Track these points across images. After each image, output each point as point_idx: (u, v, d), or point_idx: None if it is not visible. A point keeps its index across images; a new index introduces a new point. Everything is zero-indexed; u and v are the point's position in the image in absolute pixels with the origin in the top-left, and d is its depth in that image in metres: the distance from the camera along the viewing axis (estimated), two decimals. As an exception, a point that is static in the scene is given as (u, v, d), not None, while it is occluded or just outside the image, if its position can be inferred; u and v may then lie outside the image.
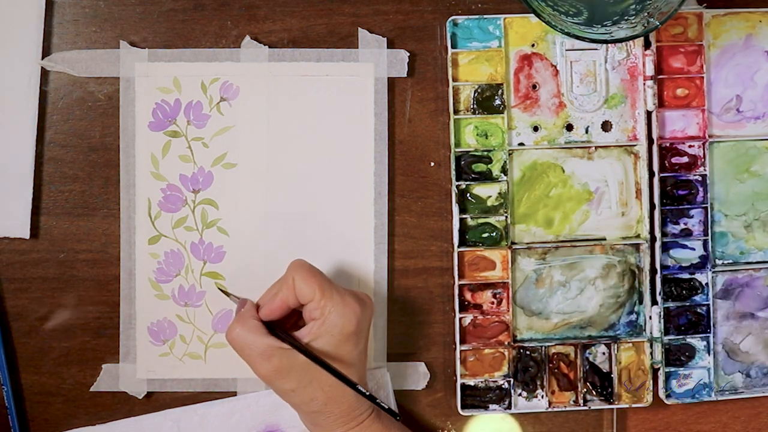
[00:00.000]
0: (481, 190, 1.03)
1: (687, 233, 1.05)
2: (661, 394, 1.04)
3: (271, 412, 1.01)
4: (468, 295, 1.03)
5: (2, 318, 1.01)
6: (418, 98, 1.03)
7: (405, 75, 1.02)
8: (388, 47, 1.02)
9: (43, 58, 1.00)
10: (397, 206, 1.03)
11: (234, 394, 1.02)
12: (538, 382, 1.04)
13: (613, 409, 1.05)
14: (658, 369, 1.04)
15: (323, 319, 0.91)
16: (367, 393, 0.90)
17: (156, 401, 1.02)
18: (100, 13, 1.01)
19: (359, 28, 1.02)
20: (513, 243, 1.04)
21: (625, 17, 0.94)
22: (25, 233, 1.00)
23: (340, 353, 0.91)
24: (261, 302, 0.95)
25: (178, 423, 1.01)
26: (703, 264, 1.05)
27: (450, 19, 1.02)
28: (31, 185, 1.00)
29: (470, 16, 1.02)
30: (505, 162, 1.03)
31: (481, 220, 1.03)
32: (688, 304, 1.04)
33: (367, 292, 1.01)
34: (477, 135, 1.03)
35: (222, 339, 1.01)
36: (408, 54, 1.02)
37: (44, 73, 1.01)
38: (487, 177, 1.03)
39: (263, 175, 1.01)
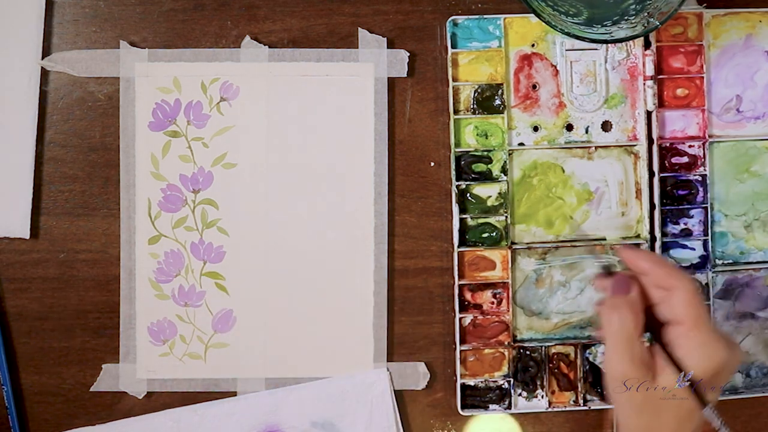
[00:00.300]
0: (481, 190, 1.03)
1: (687, 233, 1.05)
2: (662, 394, 1.04)
3: (271, 412, 1.02)
4: (468, 295, 1.03)
5: (2, 318, 1.01)
6: (418, 98, 1.03)
7: (405, 75, 1.02)
8: (388, 47, 1.02)
9: (43, 58, 1.00)
10: (397, 206, 1.03)
11: (234, 394, 1.02)
12: (538, 382, 1.04)
13: (613, 409, 1.05)
14: (658, 369, 1.04)
15: (688, 350, 0.83)
16: (716, 413, 0.83)
17: (156, 401, 1.02)
18: (100, 13, 1.01)
19: (359, 28, 1.02)
20: (513, 243, 1.04)
21: (625, 17, 0.94)
22: (25, 233, 1.00)
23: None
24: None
25: (178, 423, 1.01)
26: (703, 264, 1.05)
27: (450, 19, 1.02)
28: (31, 185, 1.00)
29: (470, 16, 1.03)
30: (505, 162, 1.03)
31: (481, 220, 1.03)
32: (688, 304, 1.04)
33: (367, 292, 1.01)
34: (477, 135, 1.03)
35: (222, 339, 1.02)
36: (408, 54, 1.02)
37: (44, 73, 1.01)
38: (487, 177, 1.03)
39: (263, 175, 1.01)
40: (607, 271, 0.91)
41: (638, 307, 0.85)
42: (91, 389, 1.01)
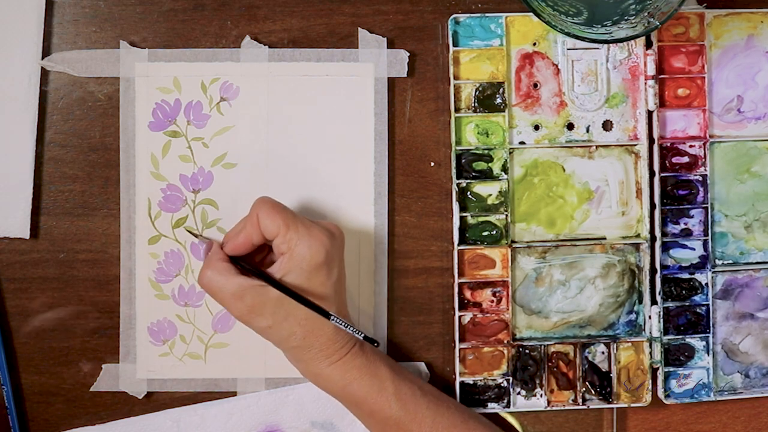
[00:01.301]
0: (482, 188, 1.03)
1: (687, 233, 1.05)
2: (660, 394, 1.04)
3: (271, 412, 1.02)
4: (468, 294, 1.03)
5: (2, 318, 1.01)
6: (418, 98, 1.03)
7: (405, 75, 1.02)
8: (388, 47, 1.02)
9: (43, 58, 1.00)
10: (397, 206, 1.03)
11: (234, 394, 1.02)
12: (537, 381, 1.04)
13: (613, 408, 1.06)
14: (657, 369, 1.04)
15: (290, 252, 0.91)
16: (342, 322, 0.91)
17: (156, 401, 1.02)
18: (100, 13, 1.01)
19: (359, 28, 1.02)
20: (513, 242, 1.04)
21: (626, 17, 0.94)
22: (25, 233, 1.00)
23: (312, 286, 0.92)
24: (225, 240, 0.95)
25: (178, 423, 1.02)
26: (702, 264, 1.05)
27: (452, 17, 1.02)
28: (31, 185, 1.00)
29: (472, 15, 1.02)
30: (506, 160, 1.03)
31: (481, 219, 1.03)
32: (687, 304, 1.04)
33: (366, 292, 1.02)
34: (478, 133, 1.03)
35: (222, 339, 1.02)
36: (408, 54, 1.02)
37: (44, 73, 1.01)
38: (487, 175, 1.03)
39: (263, 175, 1.01)
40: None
41: (215, 257, 0.93)
42: (91, 389, 1.01)
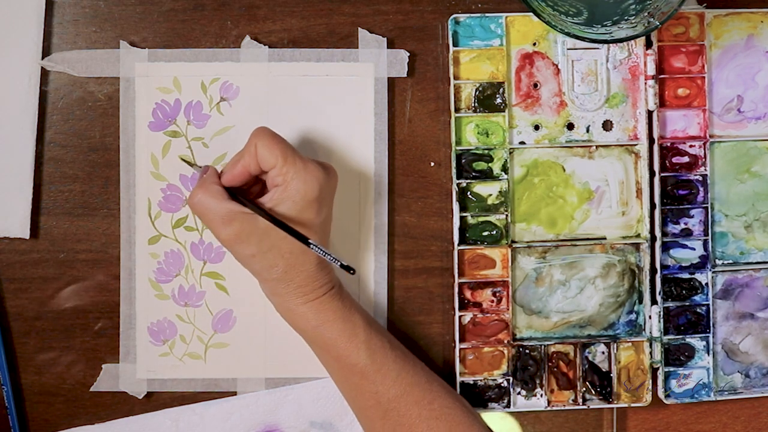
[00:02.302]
0: (482, 188, 1.03)
1: (687, 233, 1.05)
2: (661, 393, 1.04)
3: (271, 412, 1.02)
4: (468, 294, 1.03)
5: (2, 318, 1.01)
6: (418, 98, 1.03)
7: (405, 75, 1.02)
8: (388, 47, 1.02)
9: (43, 58, 1.00)
10: (397, 206, 1.03)
11: (234, 394, 1.02)
12: (538, 381, 1.04)
13: (613, 408, 1.06)
14: (658, 369, 1.04)
15: (285, 185, 0.91)
16: (321, 249, 0.90)
17: (156, 401, 1.02)
18: (100, 13, 1.01)
19: (359, 28, 1.02)
20: (513, 241, 1.04)
21: (626, 17, 0.94)
22: (25, 233, 1.00)
23: (301, 219, 0.92)
24: (224, 170, 0.95)
25: (177, 423, 1.02)
26: (703, 264, 1.05)
27: (452, 17, 1.02)
28: (31, 185, 1.00)
29: (472, 15, 1.02)
30: (506, 160, 1.03)
31: (481, 219, 1.03)
32: (687, 303, 1.04)
33: (366, 292, 1.02)
34: (478, 133, 1.03)
35: (222, 339, 1.02)
36: (408, 54, 1.02)
37: (44, 73, 1.01)
38: (487, 175, 1.03)
39: (263, 175, 1.02)
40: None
41: (209, 180, 0.93)
42: (91, 389, 1.01)
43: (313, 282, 0.94)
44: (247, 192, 0.97)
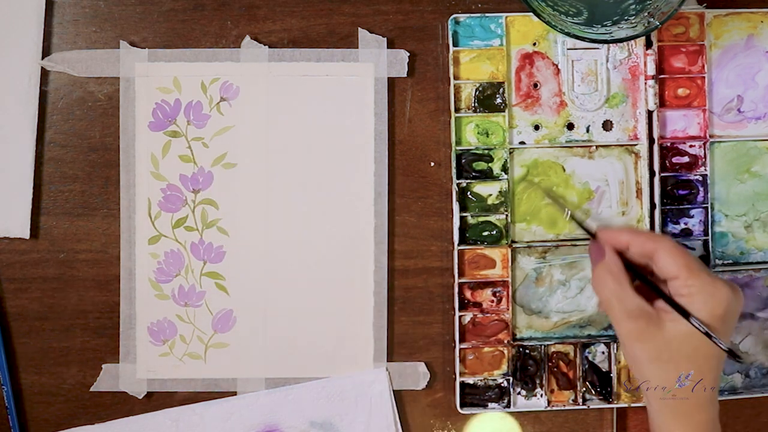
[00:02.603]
0: (482, 188, 1.03)
1: (687, 233, 1.05)
2: (661, 393, 1.04)
3: (271, 412, 1.02)
4: (468, 294, 1.03)
5: (2, 318, 1.01)
6: (418, 98, 1.03)
7: (405, 75, 1.02)
8: (388, 47, 1.02)
9: (43, 58, 1.00)
10: (397, 206, 1.03)
11: (234, 394, 1.02)
12: (538, 381, 1.04)
13: (613, 408, 1.05)
14: (658, 369, 1.04)
15: (690, 297, 0.87)
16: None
17: (156, 401, 1.02)
18: (100, 13, 1.01)
19: (359, 28, 1.02)
20: (513, 241, 1.04)
21: (626, 17, 0.94)
22: (25, 233, 1.00)
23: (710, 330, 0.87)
24: (620, 239, 0.91)
25: (177, 423, 1.02)
26: (703, 264, 1.05)
27: (452, 17, 1.02)
28: (31, 185, 1.00)
29: (472, 15, 1.02)
30: (506, 160, 1.03)
31: (481, 219, 1.03)
32: (688, 304, 1.04)
33: (367, 292, 1.02)
34: (478, 133, 1.03)
35: (222, 339, 1.02)
36: (408, 54, 1.02)
37: (44, 73, 1.01)
38: (487, 175, 1.03)
39: (263, 175, 1.01)
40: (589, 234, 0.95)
41: (617, 267, 0.90)
42: (91, 389, 1.02)
43: (703, 412, 0.89)
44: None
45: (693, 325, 0.85)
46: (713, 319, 0.86)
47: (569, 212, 0.98)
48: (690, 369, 0.87)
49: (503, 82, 1.03)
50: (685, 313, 0.86)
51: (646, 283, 0.90)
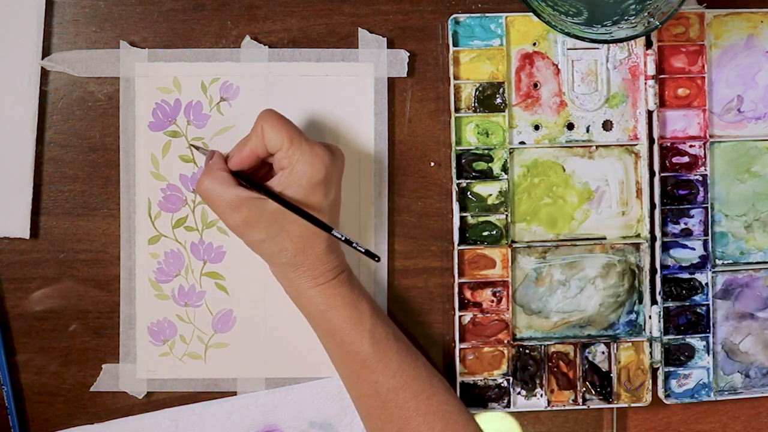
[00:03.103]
0: (482, 188, 1.03)
1: (687, 233, 1.05)
2: (661, 393, 1.04)
3: (270, 412, 1.02)
4: (468, 294, 1.03)
5: (2, 318, 1.01)
6: (418, 98, 1.03)
7: (405, 75, 1.02)
8: (388, 47, 1.02)
9: (43, 58, 1.00)
10: (397, 206, 1.03)
11: (234, 394, 1.02)
12: (538, 381, 1.04)
13: (612, 408, 1.05)
14: (658, 369, 1.04)
15: (291, 167, 0.91)
16: (343, 236, 0.91)
17: (156, 401, 1.02)
18: (100, 13, 1.01)
19: (359, 28, 1.02)
20: (513, 241, 1.04)
21: (626, 17, 0.94)
22: (25, 233, 1.00)
23: (309, 203, 0.92)
24: (230, 153, 0.95)
25: (177, 422, 1.02)
26: (703, 264, 1.05)
27: (452, 17, 1.02)
28: (31, 185, 1.00)
29: (472, 15, 1.02)
30: (506, 160, 1.03)
31: (481, 219, 1.03)
32: (687, 303, 1.04)
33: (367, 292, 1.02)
34: (478, 133, 1.03)
35: (222, 339, 1.02)
36: (408, 54, 1.02)
37: (44, 73, 1.01)
38: (487, 175, 1.03)
39: (263, 175, 1.02)
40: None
41: (216, 166, 0.94)
42: (91, 389, 1.01)
43: (323, 265, 0.94)
44: (255, 176, 0.97)
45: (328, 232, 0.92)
46: (314, 185, 0.92)
47: (210, 152, 0.99)
48: (299, 234, 0.92)
49: (503, 82, 1.03)
50: (301, 211, 0.91)
51: (258, 190, 0.92)
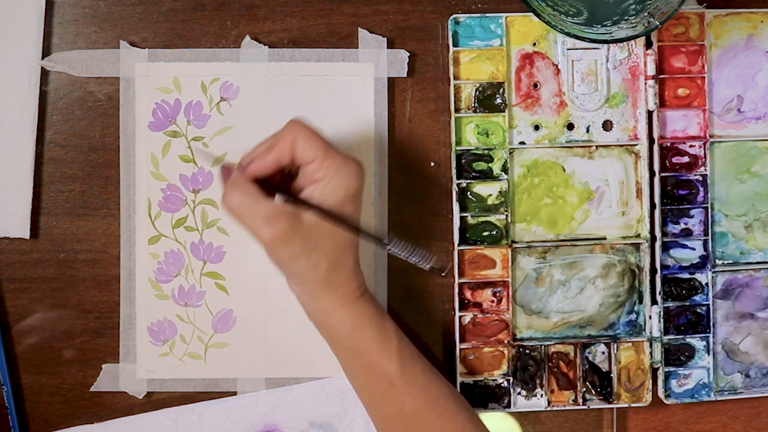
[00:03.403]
0: (482, 188, 1.03)
1: (687, 233, 1.05)
2: (661, 393, 1.04)
3: (270, 412, 1.02)
4: (468, 294, 1.03)
5: (2, 318, 1.01)
6: (418, 98, 1.03)
7: (405, 75, 1.02)
8: (388, 47, 1.02)
9: (43, 58, 1.00)
10: (397, 206, 1.03)
11: (234, 394, 1.02)
12: (538, 381, 1.04)
13: (613, 408, 1.05)
14: (658, 369, 1.04)
15: (328, 179, 0.88)
16: (403, 248, 0.91)
17: (156, 401, 1.02)
18: (100, 13, 1.01)
19: (359, 28, 1.02)
20: (513, 242, 1.04)
21: (625, 17, 0.94)
22: (25, 233, 1.00)
23: (344, 215, 0.89)
24: (249, 159, 0.91)
25: (176, 422, 1.01)
26: (703, 264, 1.05)
27: (452, 17, 1.02)
28: (31, 185, 1.00)
29: (472, 15, 1.02)
30: (506, 161, 1.03)
31: (481, 219, 1.03)
32: (687, 303, 1.04)
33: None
34: (478, 133, 1.03)
35: (222, 339, 1.02)
36: (408, 54, 1.02)
37: (44, 73, 1.01)
38: (487, 175, 1.03)
39: (263, 175, 1.01)
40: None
41: (242, 179, 0.89)
42: (91, 389, 1.02)
43: (352, 282, 0.92)
44: (277, 186, 0.93)
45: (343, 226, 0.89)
46: (351, 197, 0.89)
47: (223, 166, 0.96)
48: (333, 250, 0.90)
49: (503, 82, 1.03)
50: (334, 216, 0.89)
51: (298, 202, 0.89)
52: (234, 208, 0.88)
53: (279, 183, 0.92)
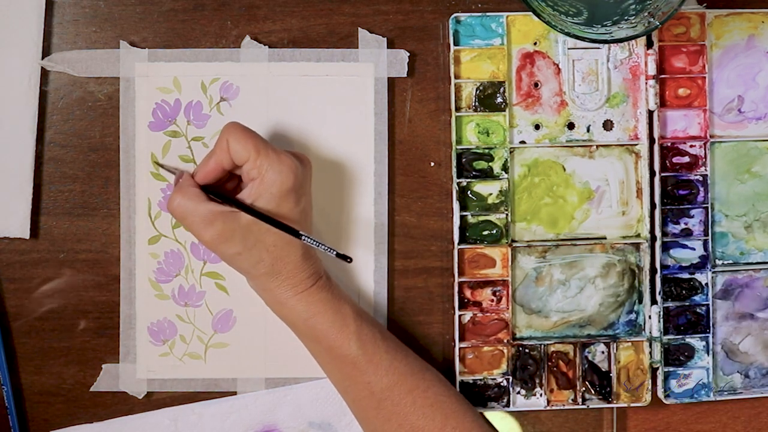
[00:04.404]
0: (482, 187, 1.03)
1: (687, 233, 1.05)
2: (660, 393, 1.04)
3: (269, 412, 1.02)
4: (468, 293, 1.03)
5: (2, 318, 1.01)
6: (418, 98, 1.03)
7: (405, 75, 1.02)
8: (388, 47, 1.02)
9: (43, 58, 1.00)
10: (397, 206, 1.03)
11: (234, 394, 1.02)
12: (537, 381, 1.04)
13: (612, 408, 1.06)
14: (657, 369, 1.04)
15: (261, 177, 0.91)
16: (314, 240, 0.92)
17: (156, 401, 1.02)
18: (100, 13, 1.01)
19: (359, 28, 1.02)
20: (513, 241, 1.04)
21: (626, 17, 0.94)
22: (25, 233, 1.00)
23: (281, 212, 0.92)
24: (196, 169, 0.95)
25: (176, 422, 1.02)
26: (703, 264, 1.05)
27: (453, 16, 1.02)
28: (31, 185, 1.00)
29: (473, 14, 1.02)
30: (507, 160, 1.03)
31: (481, 218, 1.03)
32: (687, 303, 1.04)
33: (367, 292, 1.02)
34: (478, 132, 1.03)
35: (222, 339, 1.02)
36: (408, 54, 1.02)
37: (44, 73, 1.01)
38: (488, 174, 1.03)
39: (263, 175, 1.01)
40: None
41: (186, 183, 0.93)
42: (91, 389, 1.02)
43: (301, 273, 0.94)
44: (225, 190, 0.97)
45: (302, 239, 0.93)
46: (285, 193, 0.92)
47: (179, 171, 0.99)
48: (274, 243, 0.93)
49: (504, 82, 1.03)
50: (272, 220, 0.92)
51: (230, 203, 0.93)
52: (174, 211, 0.93)
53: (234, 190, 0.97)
